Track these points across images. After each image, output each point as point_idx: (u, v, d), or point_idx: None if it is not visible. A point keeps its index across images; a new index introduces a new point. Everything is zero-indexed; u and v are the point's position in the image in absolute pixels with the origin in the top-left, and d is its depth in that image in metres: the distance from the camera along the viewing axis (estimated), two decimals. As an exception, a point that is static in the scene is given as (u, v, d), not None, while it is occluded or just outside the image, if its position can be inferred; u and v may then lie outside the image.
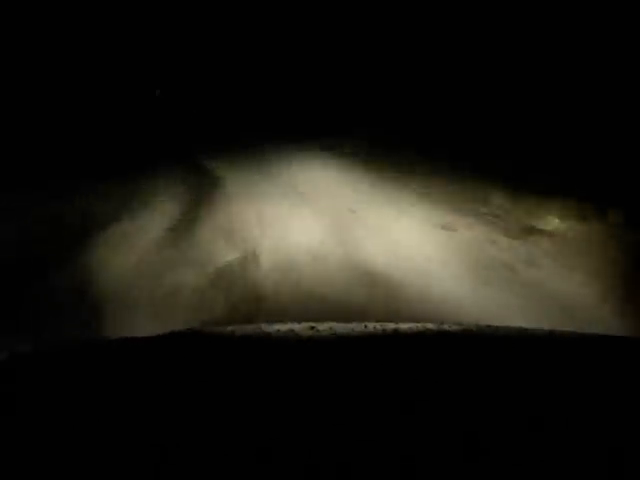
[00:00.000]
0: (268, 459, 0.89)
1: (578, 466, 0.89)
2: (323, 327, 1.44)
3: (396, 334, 1.42)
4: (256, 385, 1.12)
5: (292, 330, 1.42)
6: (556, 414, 1.03)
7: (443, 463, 0.88)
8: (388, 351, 1.34)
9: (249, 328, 1.51)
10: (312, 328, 1.43)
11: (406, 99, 9.16)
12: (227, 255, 4.08)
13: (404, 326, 1.48)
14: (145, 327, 2.94)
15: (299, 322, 1.48)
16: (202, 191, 5.94)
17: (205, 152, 8.10)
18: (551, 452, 0.92)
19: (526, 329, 1.57)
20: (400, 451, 0.91)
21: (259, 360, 1.26)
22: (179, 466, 0.86)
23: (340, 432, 0.95)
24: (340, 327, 1.46)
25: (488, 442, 0.95)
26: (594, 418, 1.02)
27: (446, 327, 1.51)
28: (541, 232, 4.61)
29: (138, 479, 0.84)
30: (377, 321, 1.53)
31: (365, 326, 1.47)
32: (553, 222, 4.78)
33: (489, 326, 1.58)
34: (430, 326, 1.51)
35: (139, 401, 1.03)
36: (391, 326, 1.46)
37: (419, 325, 1.52)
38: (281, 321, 1.52)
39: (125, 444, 0.89)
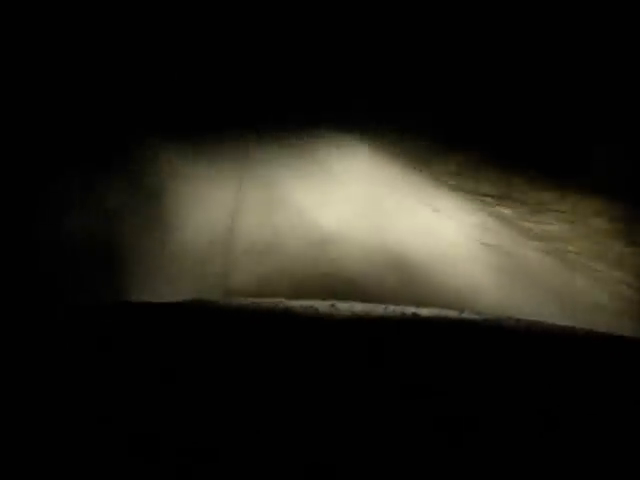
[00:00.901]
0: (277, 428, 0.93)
1: (582, 462, 0.88)
2: (343, 306, 1.45)
3: (415, 318, 1.42)
4: (271, 357, 1.16)
5: (312, 306, 1.45)
6: (563, 409, 1.02)
7: (439, 448, 0.90)
8: (404, 335, 1.35)
9: (271, 302, 1.52)
10: (332, 306, 1.44)
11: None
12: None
13: (424, 311, 1.47)
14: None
15: (322, 299, 1.50)
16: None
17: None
18: (546, 445, 0.92)
19: (547, 324, 1.55)
20: (401, 434, 0.93)
21: (277, 334, 1.29)
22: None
23: (344, 416, 0.96)
24: (360, 307, 1.47)
25: (487, 430, 0.95)
26: (605, 416, 0.99)
27: (466, 315, 1.50)
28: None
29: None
30: (399, 304, 1.53)
31: (385, 308, 1.48)
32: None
33: (510, 318, 1.55)
34: (450, 313, 1.52)
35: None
36: (411, 310, 1.46)
37: (439, 311, 1.53)
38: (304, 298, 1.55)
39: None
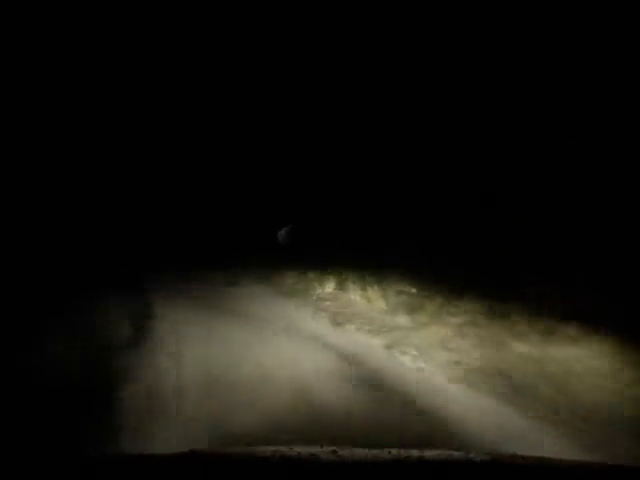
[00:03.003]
0: None
1: None
2: (345, 452, 1.40)
3: (421, 462, 1.38)
4: None
5: (314, 454, 1.39)
6: None
7: None
8: None
9: (269, 450, 1.44)
10: (334, 452, 1.39)
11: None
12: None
13: (429, 453, 1.43)
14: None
15: (321, 446, 1.44)
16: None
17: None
18: None
19: (556, 460, 1.53)
20: None
21: None
22: None
23: None
24: (362, 453, 1.42)
25: None
26: None
27: (472, 456, 1.45)
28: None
29: None
30: (400, 447, 1.48)
31: (389, 452, 1.42)
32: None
33: (517, 456, 1.54)
34: (456, 454, 1.47)
35: None
36: (415, 453, 1.41)
37: (444, 452, 1.49)
38: (302, 444, 1.49)
39: None
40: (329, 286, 8.63)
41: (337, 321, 6.69)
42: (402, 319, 6.58)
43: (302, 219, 11.01)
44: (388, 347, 5.45)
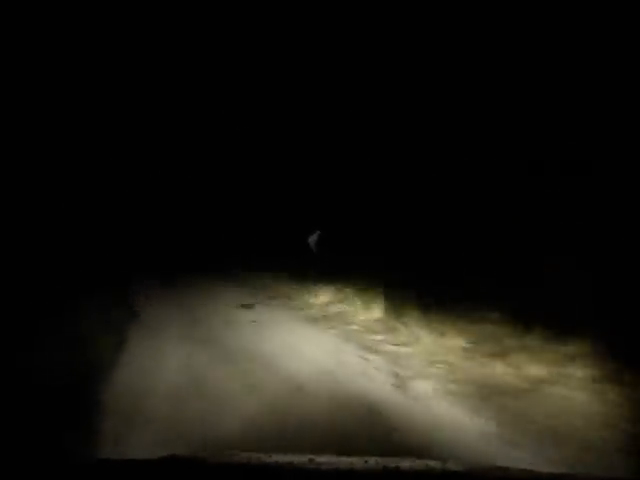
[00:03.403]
0: None
1: None
2: (322, 460, 1.39)
3: (397, 472, 1.36)
4: None
5: (291, 462, 1.39)
6: None
7: None
8: None
9: (246, 456, 1.46)
10: (311, 461, 1.38)
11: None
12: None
13: (406, 463, 1.42)
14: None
15: (298, 453, 1.43)
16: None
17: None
18: None
19: (537, 472, 1.52)
20: None
21: None
22: None
23: None
24: (339, 461, 1.41)
25: None
26: None
27: (450, 466, 1.44)
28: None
29: None
30: (378, 455, 1.46)
31: (366, 461, 1.42)
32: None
33: (496, 467, 1.55)
34: (432, 464, 1.45)
35: None
36: (392, 463, 1.40)
37: (421, 462, 1.46)
38: (278, 452, 1.45)
39: None
40: (376, 310, 6.39)
41: (400, 374, 4.45)
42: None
43: (334, 223, 9.11)
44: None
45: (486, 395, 3.79)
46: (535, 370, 4.15)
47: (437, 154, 8.42)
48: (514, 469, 1.52)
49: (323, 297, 7.01)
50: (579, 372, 4.00)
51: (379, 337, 5.45)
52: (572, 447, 3.00)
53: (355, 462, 1.40)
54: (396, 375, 4.26)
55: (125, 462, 1.51)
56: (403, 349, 4.98)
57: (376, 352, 4.91)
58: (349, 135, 10.35)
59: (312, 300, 7.05)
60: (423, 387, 4.00)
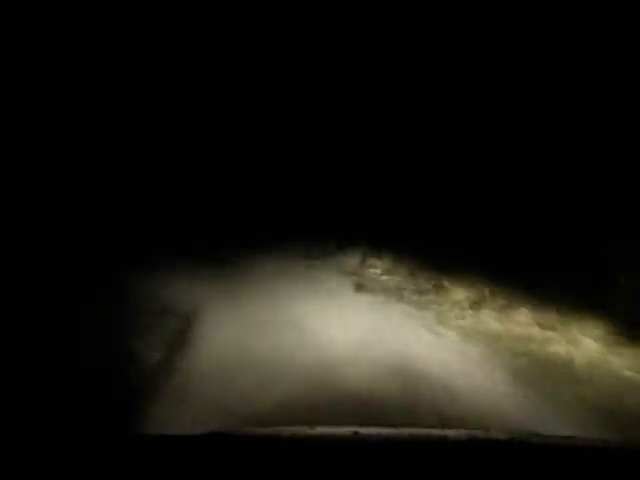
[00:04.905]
0: None
1: None
2: (367, 432, 1.40)
3: (443, 441, 1.39)
4: None
5: (334, 435, 1.42)
6: None
7: None
8: (436, 461, 1.29)
9: (290, 431, 1.47)
10: (356, 433, 1.38)
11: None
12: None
13: (450, 432, 1.44)
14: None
15: (341, 426, 1.44)
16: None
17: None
18: None
19: (577, 438, 1.57)
20: None
21: (301, 467, 1.24)
22: None
23: None
24: (384, 432, 1.43)
25: None
26: None
27: (493, 434, 1.47)
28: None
29: None
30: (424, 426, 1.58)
31: (410, 433, 1.43)
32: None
33: (537, 434, 1.54)
34: (477, 433, 1.48)
35: None
36: (436, 433, 1.46)
37: (465, 432, 1.47)
38: (323, 425, 1.47)
39: None
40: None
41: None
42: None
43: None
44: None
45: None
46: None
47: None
48: (554, 436, 1.57)
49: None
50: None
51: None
52: None
53: (399, 433, 1.43)
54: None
55: (163, 438, 1.52)
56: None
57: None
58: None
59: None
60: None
